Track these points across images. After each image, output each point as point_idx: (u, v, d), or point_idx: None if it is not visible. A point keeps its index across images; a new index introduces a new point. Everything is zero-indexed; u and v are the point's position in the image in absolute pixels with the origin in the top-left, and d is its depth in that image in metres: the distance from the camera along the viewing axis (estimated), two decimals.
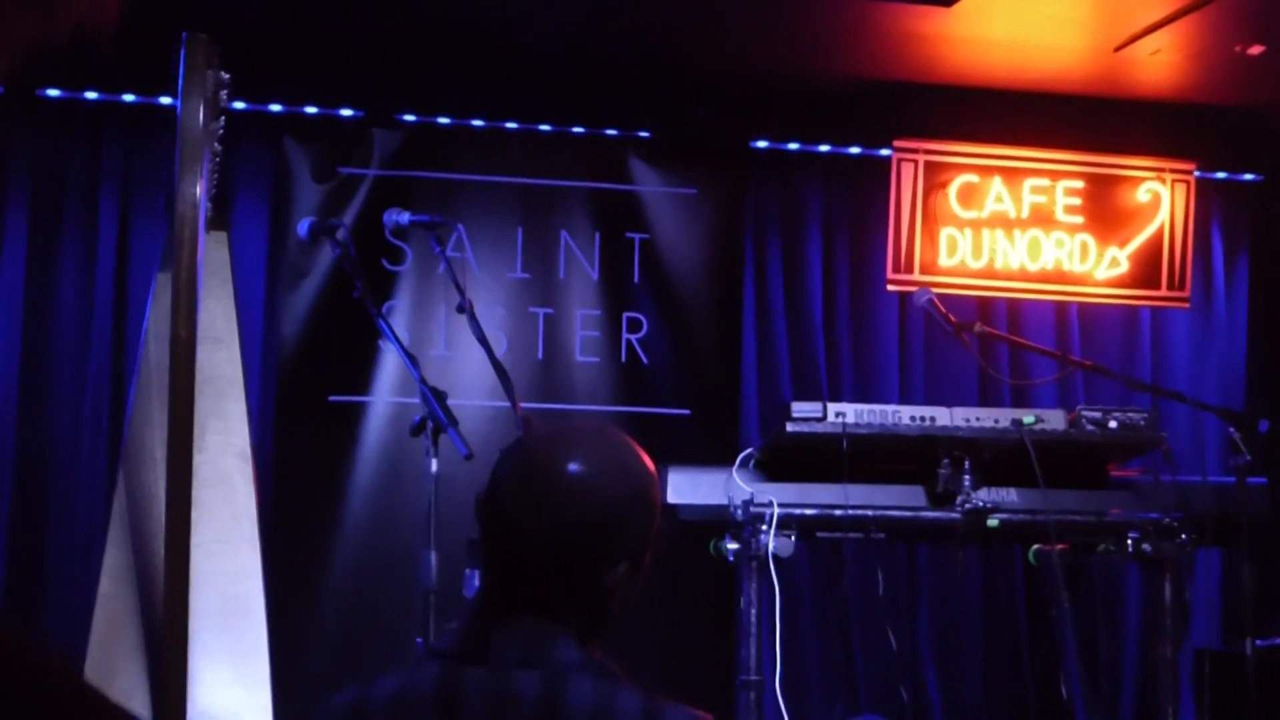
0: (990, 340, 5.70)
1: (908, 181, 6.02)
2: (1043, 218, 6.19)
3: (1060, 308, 6.39)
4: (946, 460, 4.16)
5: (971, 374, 6.16)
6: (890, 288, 6.05)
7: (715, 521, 4.11)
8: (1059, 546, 4.30)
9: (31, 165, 5.56)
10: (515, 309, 5.84)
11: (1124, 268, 6.24)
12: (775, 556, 3.99)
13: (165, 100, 5.42)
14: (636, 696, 1.71)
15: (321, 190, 5.66)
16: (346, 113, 5.78)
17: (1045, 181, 6.19)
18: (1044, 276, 6.19)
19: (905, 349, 6.27)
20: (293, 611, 5.32)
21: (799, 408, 4.14)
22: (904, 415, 4.21)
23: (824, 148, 6.26)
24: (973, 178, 6.11)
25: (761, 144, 6.19)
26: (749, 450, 4.24)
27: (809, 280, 6.19)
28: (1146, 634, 5.94)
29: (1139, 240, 6.24)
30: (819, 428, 4.12)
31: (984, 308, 6.19)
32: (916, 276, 5.93)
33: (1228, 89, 6.05)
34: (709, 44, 5.70)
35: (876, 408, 4.21)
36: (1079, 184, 6.22)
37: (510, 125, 5.94)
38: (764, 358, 6.12)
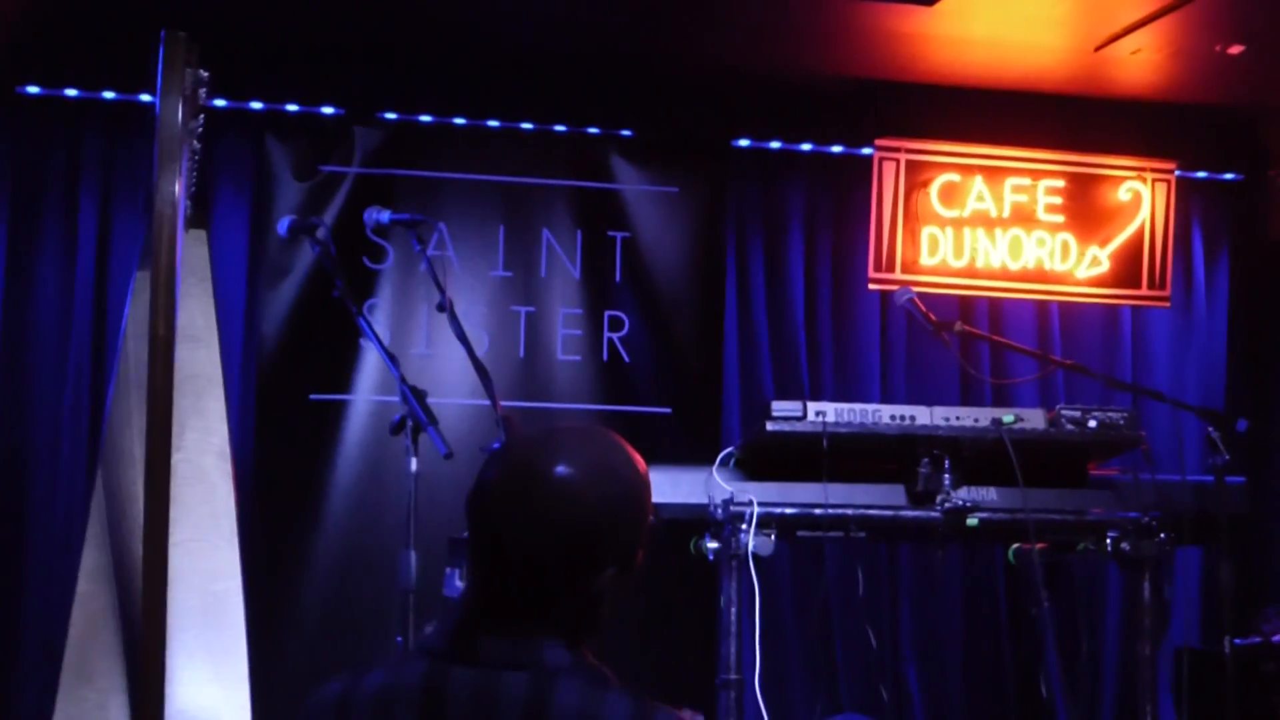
0: (971, 339, 5.71)
1: (889, 180, 6.03)
2: (1024, 217, 6.20)
3: (1041, 307, 6.40)
4: (926, 459, 4.17)
5: (952, 373, 6.17)
6: (871, 287, 6.06)
7: (696, 520, 4.11)
8: (1039, 545, 4.31)
9: (10, 162, 5.54)
10: (496, 307, 5.84)
11: (1105, 267, 6.25)
12: (755, 555, 3.99)
13: (145, 97, 5.40)
14: (626, 700, 1.69)
15: (302, 188, 5.65)
16: (328, 110, 5.76)
17: (1026, 181, 6.20)
18: (1025, 275, 6.20)
19: (886, 348, 6.27)
20: (272, 610, 5.31)
21: (779, 407, 4.14)
22: (884, 414, 4.21)
23: (806, 147, 6.26)
24: (954, 177, 6.12)
25: (743, 143, 6.19)
26: (729, 449, 4.25)
27: (790, 279, 6.19)
28: (1126, 633, 5.95)
29: (1120, 239, 6.25)
30: (799, 427, 4.12)
31: (965, 306, 6.20)
32: (898, 275, 5.94)
33: (1208, 88, 6.07)
34: (691, 42, 5.70)
35: (857, 407, 4.21)
36: (1060, 183, 6.23)
37: (492, 123, 5.93)
38: (745, 356, 6.12)
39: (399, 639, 3.65)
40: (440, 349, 5.64)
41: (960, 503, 4.17)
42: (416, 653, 1.77)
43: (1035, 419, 4.30)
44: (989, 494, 4.25)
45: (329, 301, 4.08)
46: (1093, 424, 4.30)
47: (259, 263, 5.66)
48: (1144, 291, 6.28)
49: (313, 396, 5.61)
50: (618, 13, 5.41)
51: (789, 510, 4.10)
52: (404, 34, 5.65)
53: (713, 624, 4.20)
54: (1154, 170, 6.26)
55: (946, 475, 4.16)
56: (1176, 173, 6.30)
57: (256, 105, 5.70)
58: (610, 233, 5.97)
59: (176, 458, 3.28)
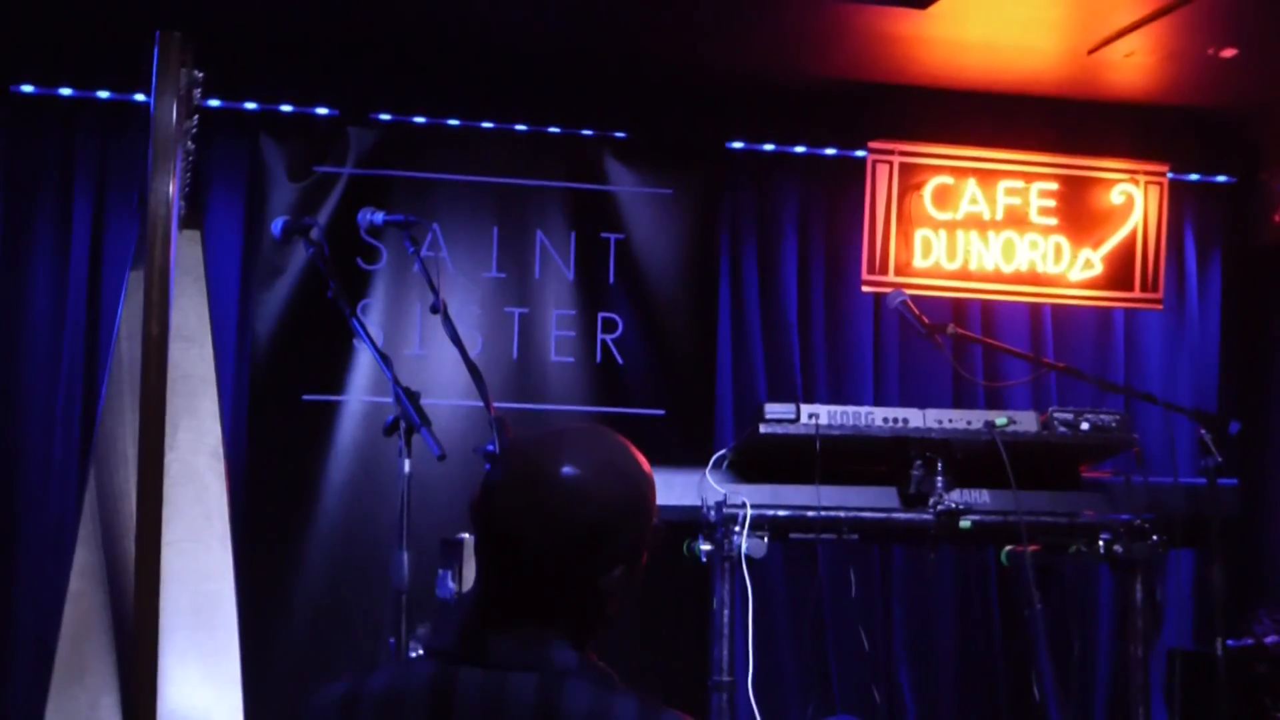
0: (964, 342, 5.72)
1: (883, 183, 6.04)
2: (1017, 219, 6.21)
3: (1034, 309, 6.41)
4: (919, 462, 4.17)
5: (946, 375, 6.18)
6: (865, 289, 6.06)
7: (689, 522, 4.11)
8: (1031, 548, 4.31)
9: (4, 161, 5.54)
10: (490, 308, 5.84)
11: (1098, 269, 6.26)
12: (748, 557, 3.99)
13: (139, 97, 5.40)
14: (633, 702, 1.70)
15: (297, 189, 5.64)
16: (322, 111, 5.76)
17: (1019, 183, 6.21)
18: (1018, 278, 6.21)
19: (880, 350, 6.28)
20: (264, 611, 5.30)
21: (772, 409, 4.14)
22: (877, 417, 4.21)
23: (799, 149, 6.27)
24: (947, 179, 6.13)
25: (737, 145, 6.20)
26: (722, 451, 4.25)
27: (784, 281, 6.20)
28: (1118, 635, 5.96)
29: (1112, 242, 6.26)
30: (792, 429, 4.13)
31: (958, 309, 6.21)
32: (891, 278, 5.95)
33: (1201, 91, 6.08)
34: (685, 45, 5.71)
35: (849, 409, 4.21)
36: (1053, 186, 6.24)
37: (486, 125, 5.93)
38: (739, 358, 6.13)
39: (390, 640, 3.65)
40: (433, 350, 5.64)
41: (953, 505, 4.17)
42: (422, 655, 1.77)
43: (1028, 421, 4.30)
44: (982, 496, 4.25)
45: (322, 302, 4.08)
46: (1085, 426, 4.30)
47: (253, 263, 5.66)
48: (1136, 294, 6.29)
49: (306, 397, 5.60)
50: (612, 15, 5.41)
51: (782, 512, 4.10)
52: (398, 35, 5.65)
53: (705, 626, 4.19)
54: (1146, 173, 6.28)
55: (939, 478, 4.17)
56: (1169, 175, 6.32)
57: (251, 106, 5.70)
58: (604, 234, 5.97)
59: (169, 457, 3.28)
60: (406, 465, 3.69)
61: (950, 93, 6.09)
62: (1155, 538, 4.27)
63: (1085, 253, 6.25)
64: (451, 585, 3.77)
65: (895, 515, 4.21)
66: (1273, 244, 6.52)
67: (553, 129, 5.98)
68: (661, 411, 5.88)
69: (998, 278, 6.18)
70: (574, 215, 5.95)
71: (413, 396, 3.74)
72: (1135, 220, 6.26)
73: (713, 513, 4.05)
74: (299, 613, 5.50)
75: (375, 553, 5.09)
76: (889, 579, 6.12)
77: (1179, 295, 6.54)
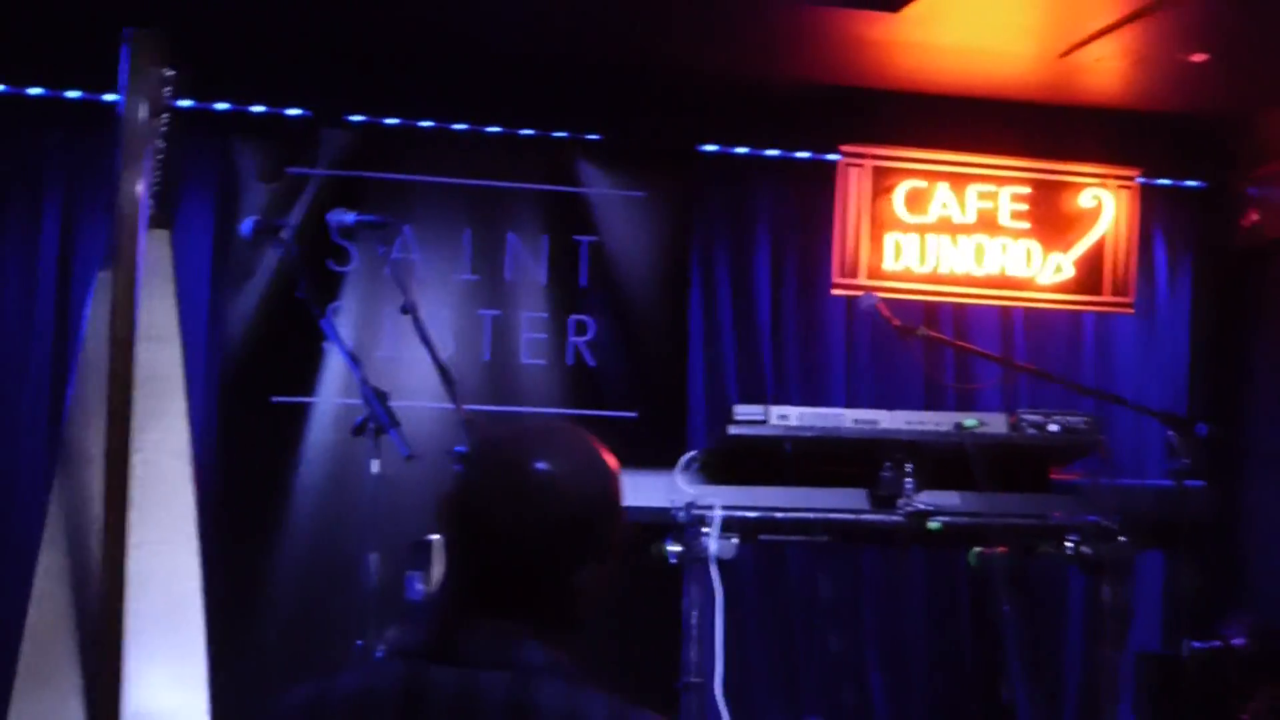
0: (935, 344, 5.73)
1: (854, 186, 6.05)
2: (988, 223, 6.23)
3: (1005, 311, 6.42)
4: (888, 464, 4.17)
5: (917, 378, 6.19)
6: (835, 291, 6.07)
7: (658, 524, 4.10)
8: (1000, 549, 4.32)
9: None
10: (462, 311, 5.83)
11: (1069, 273, 6.28)
12: (718, 559, 3.99)
13: (109, 97, 5.37)
14: (604, 700, 1.69)
15: (268, 190, 5.63)
16: (294, 112, 5.75)
17: (991, 187, 6.23)
18: (989, 281, 6.23)
19: (851, 353, 6.28)
20: (234, 613, 5.27)
21: (741, 410, 4.15)
22: (846, 418, 4.22)
23: (772, 152, 6.27)
24: (919, 183, 6.14)
25: (710, 148, 6.20)
26: (692, 453, 4.24)
27: (756, 284, 6.20)
28: (1088, 636, 5.98)
29: (1083, 245, 6.28)
30: (761, 430, 4.13)
31: (930, 311, 6.22)
32: (862, 280, 5.96)
33: (1172, 96, 6.11)
34: (658, 48, 5.71)
35: (819, 411, 4.22)
36: (1024, 190, 6.26)
37: (459, 127, 5.92)
38: (711, 361, 6.13)
39: (359, 642, 3.64)
40: (404, 352, 5.62)
41: (922, 506, 4.18)
42: (392, 655, 1.76)
43: (997, 423, 4.31)
44: (951, 498, 4.25)
45: (293, 303, 4.06)
46: (1054, 428, 4.32)
47: (223, 264, 5.64)
48: (1107, 298, 6.31)
49: (276, 398, 5.59)
50: (584, 17, 5.41)
51: (751, 514, 4.11)
52: (371, 37, 5.64)
53: (675, 628, 4.19)
54: (1117, 177, 6.30)
55: (908, 479, 4.17)
56: (1140, 179, 6.34)
57: (222, 106, 5.68)
58: (576, 237, 5.96)
59: (136, 458, 3.26)
60: (375, 466, 3.69)
61: (923, 97, 6.11)
62: (1123, 539, 4.29)
63: (1056, 256, 6.27)
64: (420, 587, 3.76)
65: (864, 517, 4.22)
66: (1243, 249, 6.55)
67: (525, 131, 5.97)
68: (633, 414, 5.88)
69: (969, 281, 6.20)
70: (546, 218, 5.94)
71: (382, 397, 3.74)
72: (1106, 224, 6.28)
73: (682, 514, 4.05)
74: (268, 615, 5.48)
75: (345, 554, 5.07)
76: (860, 580, 6.12)
77: (1149, 299, 6.57)
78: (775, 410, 4.16)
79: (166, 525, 3.56)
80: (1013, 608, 4.52)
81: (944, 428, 4.25)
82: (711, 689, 4.09)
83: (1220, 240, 6.63)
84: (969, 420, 4.26)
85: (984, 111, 6.20)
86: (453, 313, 5.81)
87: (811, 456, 4.16)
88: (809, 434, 4.15)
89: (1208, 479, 4.50)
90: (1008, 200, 6.23)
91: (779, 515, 4.12)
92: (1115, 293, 6.30)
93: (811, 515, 4.16)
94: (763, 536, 4.16)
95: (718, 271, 6.19)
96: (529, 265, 5.91)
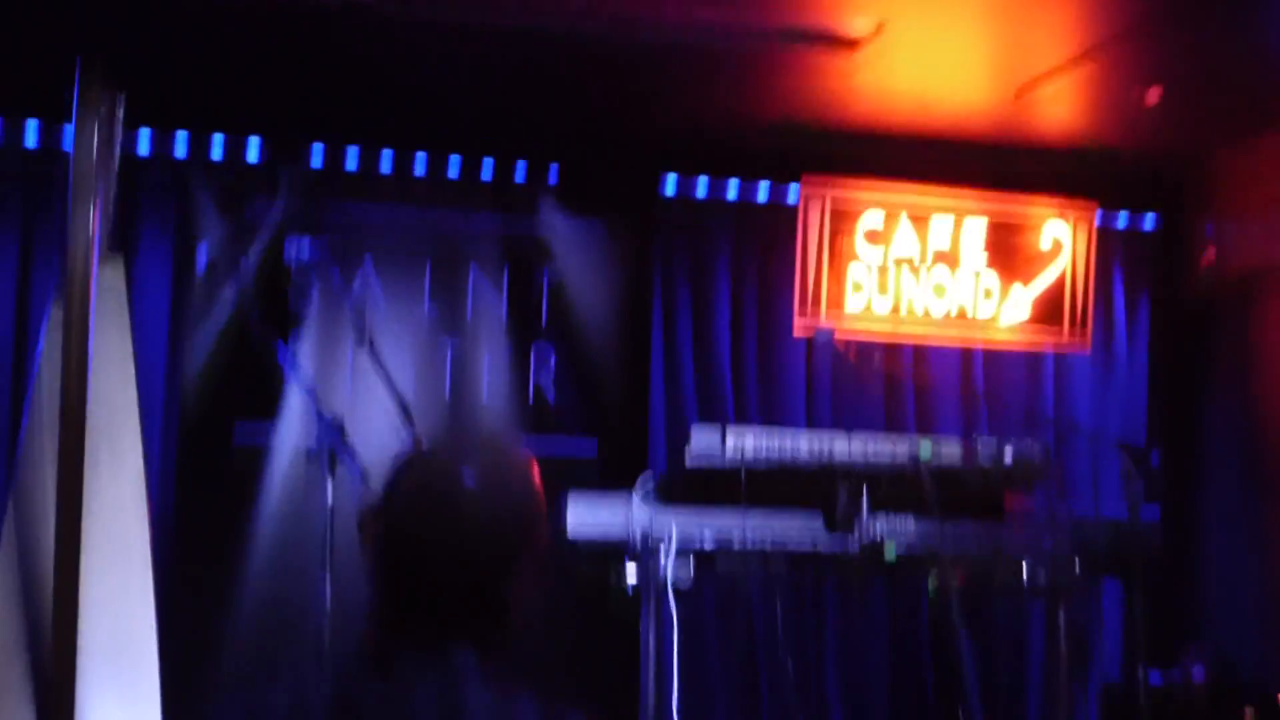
0: (894, 376, 5.75)
1: (815, 219, 6.07)
2: (948, 259, 6.25)
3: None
4: (844, 490, 4.18)
5: (877, 411, 6.21)
6: (797, 333, 6.08)
7: (615, 551, 4.10)
8: (956, 579, 4.33)
9: None
10: (422, 343, 5.83)
11: (1027, 309, 6.30)
12: (674, 587, 3.99)
13: (65, 126, 5.36)
14: (536, 708, 1.71)
15: (226, 223, 5.62)
16: (253, 145, 5.75)
17: (950, 220, 6.25)
18: (948, 321, 6.23)
19: (812, 384, 6.30)
20: (189, 644, 5.23)
21: (698, 436, 4.15)
22: (802, 445, 4.23)
23: (732, 192, 6.31)
24: (879, 216, 6.16)
25: (670, 185, 6.24)
26: (646, 475, 4.25)
27: (716, 319, 6.24)
28: (1047, 666, 5.99)
29: (1042, 281, 6.31)
30: (716, 462, 4.13)
31: (891, 341, 6.23)
32: (822, 317, 5.97)
33: (1127, 133, 6.15)
34: (618, 86, 5.73)
35: (775, 432, 4.22)
36: (984, 225, 6.28)
37: (418, 160, 5.94)
38: (671, 394, 6.15)
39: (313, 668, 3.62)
40: (363, 384, 5.61)
41: (877, 536, 4.19)
42: (323, 671, 1.76)
43: (952, 449, 4.33)
44: (906, 523, 4.26)
45: (250, 337, 4.05)
46: (1008, 456, 4.34)
47: (181, 296, 5.63)
48: (1064, 337, 6.33)
49: (235, 431, 5.55)
50: (545, 55, 5.43)
51: (707, 543, 4.11)
52: (331, 72, 5.64)
53: (634, 656, 4.19)
54: (1075, 211, 6.34)
55: (864, 507, 4.18)
56: (1098, 219, 6.38)
57: (180, 136, 5.67)
58: (537, 271, 5.99)
59: (89, 491, 3.24)
60: (330, 497, 3.68)
61: (881, 138, 6.13)
62: (1078, 567, 4.31)
63: (1015, 290, 6.28)
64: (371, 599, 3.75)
65: (820, 548, 4.22)
66: (1200, 286, 6.59)
67: (485, 166, 6.00)
68: (592, 444, 5.88)
69: (927, 321, 6.20)
70: (507, 251, 5.97)
71: (339, 427, 3.74)
72: (1065, 260, 6.31)
73: (638, 541, 4.05)
74: (221, 647, 5.44)
75: (301, 586, 5.04)
76: (820, 605, 6.12)
77: (1107, 333, 6.61)
78: (732, 431, 4.16)
79: (119, 555, 3.53)
80: (972, 637, 4.53)
81: (900, 453, 4.26)
82: (669, 716, 4.09)
83: (1177, 277, 6.68)
84: (924, 446, 4.27)
85: (942, 151, 6.21)
86: (412, 345, 5.81)
87: (769, 480, 4.17)
88: (764, 466, 4.16)
89: (1167, 513, 4.53)
90: (967, 236, 6.25)
91: (734, 545, 4.12)
92: (1073, 329, 6.31)
93: (768, 545, 4.16)
94: (719, 563, 4.16)
95: (679, 304, 6.23)
96: (489, 298, 5.93)
